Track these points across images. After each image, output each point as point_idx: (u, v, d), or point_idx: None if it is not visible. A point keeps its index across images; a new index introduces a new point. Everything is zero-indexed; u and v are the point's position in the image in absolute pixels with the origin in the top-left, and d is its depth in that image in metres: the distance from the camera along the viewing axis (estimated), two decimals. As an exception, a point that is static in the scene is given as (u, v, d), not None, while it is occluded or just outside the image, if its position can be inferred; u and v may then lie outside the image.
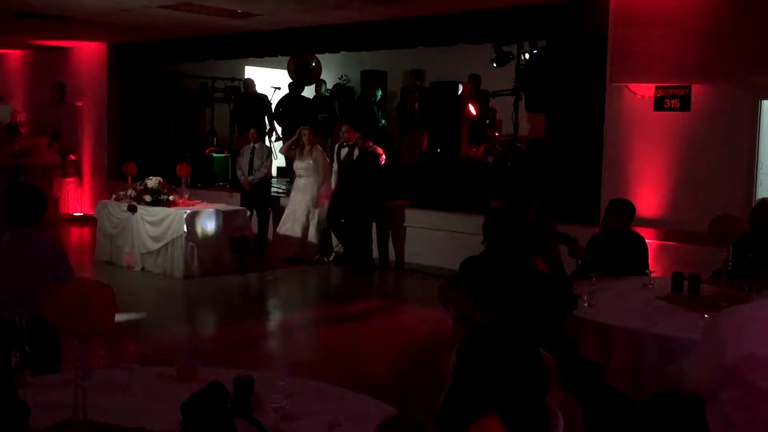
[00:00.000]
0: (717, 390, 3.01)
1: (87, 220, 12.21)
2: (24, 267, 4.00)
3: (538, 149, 9.68)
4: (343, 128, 9.72)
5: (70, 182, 13.24)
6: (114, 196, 9.48)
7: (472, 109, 10.51)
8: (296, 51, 11.30)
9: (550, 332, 3.70)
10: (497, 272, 2.98)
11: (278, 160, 12.80)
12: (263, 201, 10.32)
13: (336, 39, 10.14)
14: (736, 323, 2.96)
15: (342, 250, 9.72)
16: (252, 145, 10.24)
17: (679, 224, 7.13)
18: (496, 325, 2.79)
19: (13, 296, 3.92)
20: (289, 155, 10.23)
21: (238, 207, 9.66)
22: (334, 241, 9.87)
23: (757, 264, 3.84)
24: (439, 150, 10.40)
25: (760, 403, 2.91)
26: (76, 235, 11.84)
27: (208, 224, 8.77)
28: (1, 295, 3.96)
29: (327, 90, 13.06)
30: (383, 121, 11.95)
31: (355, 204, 9.33)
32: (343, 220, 9.55)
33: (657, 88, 7.32)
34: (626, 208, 5.41)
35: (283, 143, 10.67)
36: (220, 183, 11.99)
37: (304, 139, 9.69)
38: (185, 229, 8.53)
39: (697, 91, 7.14)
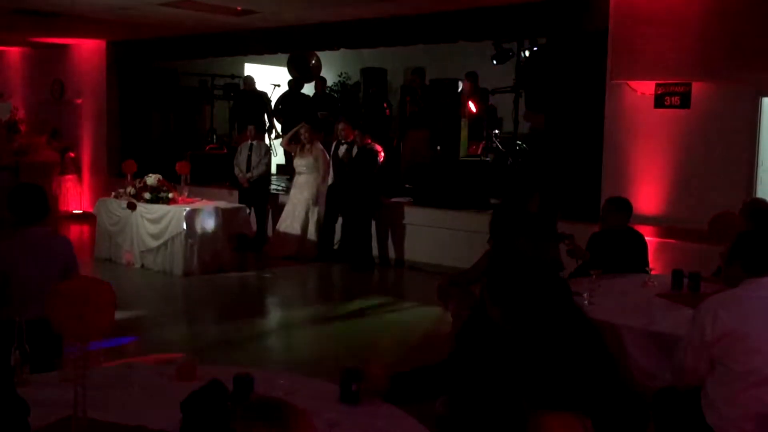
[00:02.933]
0: (705, 377, 3.09)
1: (86, 218, 12.22)
2: (38, 266, 4.02)
3: (538, 145, 9.68)
4: (340, 126, 9.70)
5: (69, 180, 13.23)
6: (113, 193, 9.48)
7: (472, 106, 10.51)
8: (296, 48, 11.29)
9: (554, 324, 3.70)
10: (505, 266, 2.97)
11: (278, 158, 12.79)
12: (262, 198, 10.32)
13: (336, 36, 10.13)
14: (713, 307, 3.07)
15: (338, 246, 9.70)
16: (250, 142, 10.25)
17: (679, 221, 7.13)
18: (508, 319, 2.78)
19: (28, 295, 3.92)
20: (289, 149, 10.20)
21: (237, 204, 9.66)
22: (336, 237, 9.84)
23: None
24: (439, 147, 10.39)
25: (735, 381, 2.97)
26: (76, 232, 11.83)
27: (207, 222, 8.76)
28: (15, 294, 3.97)
29: (328, 88, 13.06)
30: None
31: (354, 201, 9.33)
32: (341, 218, 9.56)
33: (657, 85, 7.32)
34: (623, 206, 5.40)
35: (283, 139, 10.68)
36: (220, 181, 11.98)
37: (303, 137, 9.69)
38: (185, 227, 8.53)
39: (697, 88, 7.14)
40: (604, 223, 5.44)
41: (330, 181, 9.77)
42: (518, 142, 10.08)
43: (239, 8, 9.08)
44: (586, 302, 4.15)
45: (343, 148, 9.59)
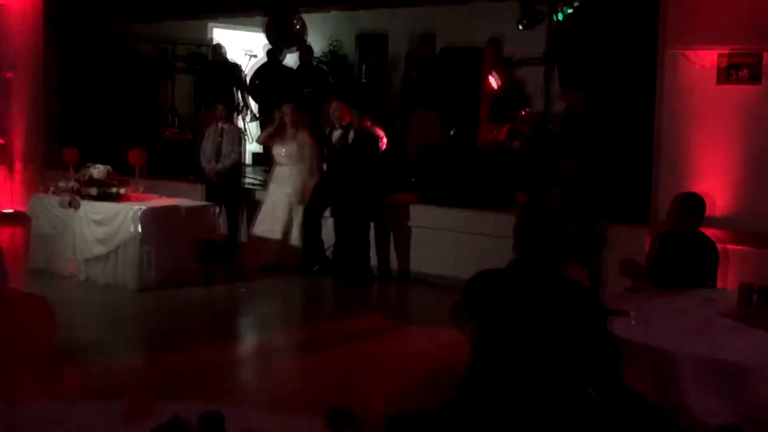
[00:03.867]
0: None
1: (18, 219, 12.23)
2: None
3: (573, 130, 9.69)
4: (334, 106, 9.68)
5: (-3, 172, 13.28)
6: (52, 188, 9.49)
7: (493, 81, 10.52)
8: (275, 8, 11.31)
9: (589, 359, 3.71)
10: (525, 286, 2.99)
11: (253, 145, 12.82)
12: (234, 195, 10.34)
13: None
14: None
15: (332, 255, 9.70)
16: (219, 126, 10.26)
17: (751, 224, 7.14)
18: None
19: None
20: (268, 144, 10.19)
21: (204, 203, 9.68)
22: (326, 243, 9.82)
23: None
24: (452, 132, 10.42)
25: None
26: (5, 236, 11.85)
27: (166, 224, 8.77)
28: None
29: (316, 59, 13.08)
30: None
31: (349, 199, 9.32)
32: (333, 220, 9.56)
33: (720, 55, 7.31)
34: (694, 204, 5.42)
35: (261, 128, 10.67)
36: (182, 173, 12.01)
37: (286, 119, 9.69)
38: (139, 230, 8.53)
39: (770, 59, 7.15)
40: (672, 223, 5.44)
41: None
42: (549, 126, 10.09)
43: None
44: (633, 322, 4.16)
45: (337, 134, 9.58)
